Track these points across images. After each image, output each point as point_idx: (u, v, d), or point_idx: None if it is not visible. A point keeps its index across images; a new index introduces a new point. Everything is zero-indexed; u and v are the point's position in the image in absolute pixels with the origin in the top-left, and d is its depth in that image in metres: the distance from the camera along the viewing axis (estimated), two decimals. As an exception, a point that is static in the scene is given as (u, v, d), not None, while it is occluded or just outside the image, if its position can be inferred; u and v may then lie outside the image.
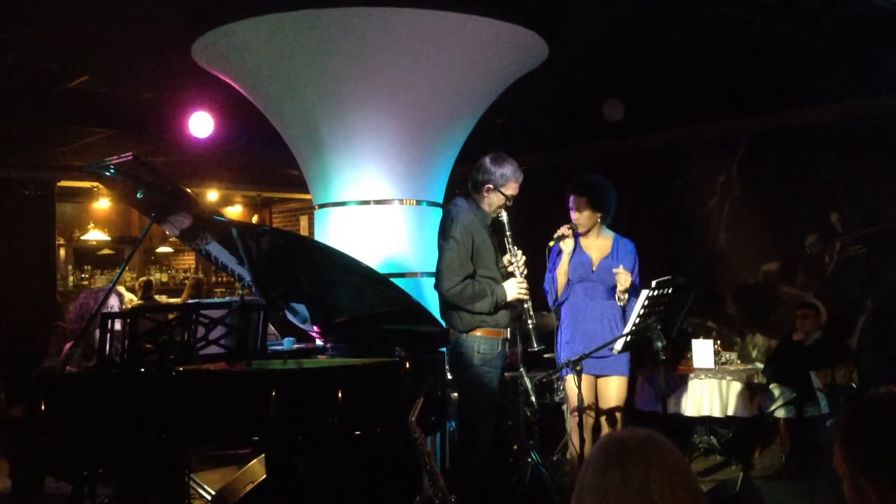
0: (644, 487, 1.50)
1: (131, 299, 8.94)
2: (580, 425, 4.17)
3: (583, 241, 4.57)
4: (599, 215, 4.51)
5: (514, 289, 4.07)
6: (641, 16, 4.84)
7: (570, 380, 4.34)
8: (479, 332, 4.08)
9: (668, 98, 6.74)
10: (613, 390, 4.47)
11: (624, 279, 4.34)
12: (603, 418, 4.48)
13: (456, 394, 4.59)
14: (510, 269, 4.18)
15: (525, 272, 4.15)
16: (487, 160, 4.17)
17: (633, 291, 4.38)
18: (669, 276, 4.11)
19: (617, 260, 4.49)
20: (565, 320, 4.56)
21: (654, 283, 4.01)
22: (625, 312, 4.48)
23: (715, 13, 4.68)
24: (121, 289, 9.20)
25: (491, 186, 4.13)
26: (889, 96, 6.18)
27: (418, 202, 5.04)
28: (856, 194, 6.73)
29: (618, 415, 4.47)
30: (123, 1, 4.47)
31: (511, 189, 4.15)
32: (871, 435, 1.61)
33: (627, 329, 4.12)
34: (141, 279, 10.65)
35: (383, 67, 4.71)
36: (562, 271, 4.49)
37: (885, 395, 1.71)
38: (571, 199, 4.52)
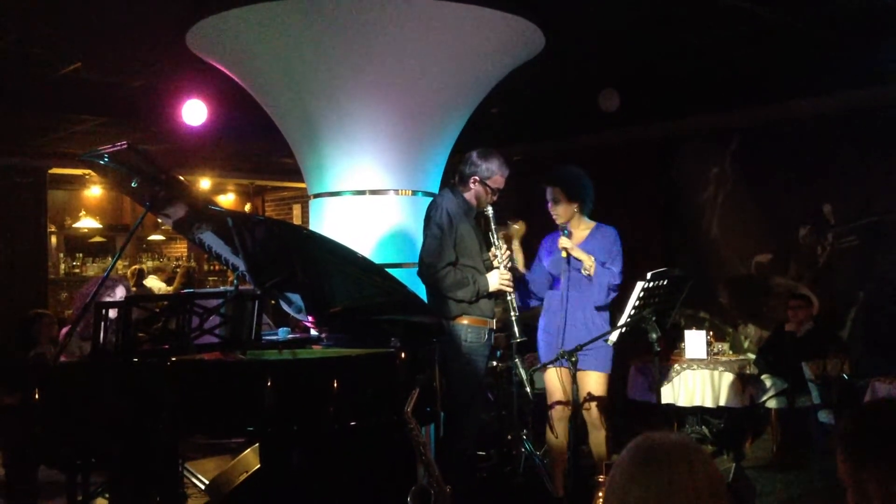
0: (670, 496, 1.47)
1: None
2: (572, 418, 4.19)
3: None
4: (576, 205, 4.46)
5: (497, 279, 4.15)
6: (638, 7, 4.83)
7: (552, 372, 4.37)
8: (465, 321, 4.13)
9: (662, 89, 6.74)
10: (590, 384, 4.38)
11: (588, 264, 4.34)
12: (583, 411, 4.42)
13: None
14: (494, 262, 4.23)
15: (509, 265, 4.22)
16: (475, 153, 4.25)
17: (609, 274, 4.37)
18: (665, 268, 4.12)
19: (592, 247, 4.42)
20: (545, 312, 4.55)
21: (649, 275, 4.00)
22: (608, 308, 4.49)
23: (713, 3, 4.68)
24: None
25: (477, 179, 4.21)
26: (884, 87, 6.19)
27: (414, 192, 5.03)
28: (848, 186, 6.75)
29: (595, 409, 4.40)
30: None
31: (496, 183, 4.21)
32: (874, 438, 1.64)
33: (622, 321, 4.11)
34: (133, 267, 10.63)
35: (380, 57, 4.68)
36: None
37: (882, 401, 1.75)
38: (548, 191, 4.50)
